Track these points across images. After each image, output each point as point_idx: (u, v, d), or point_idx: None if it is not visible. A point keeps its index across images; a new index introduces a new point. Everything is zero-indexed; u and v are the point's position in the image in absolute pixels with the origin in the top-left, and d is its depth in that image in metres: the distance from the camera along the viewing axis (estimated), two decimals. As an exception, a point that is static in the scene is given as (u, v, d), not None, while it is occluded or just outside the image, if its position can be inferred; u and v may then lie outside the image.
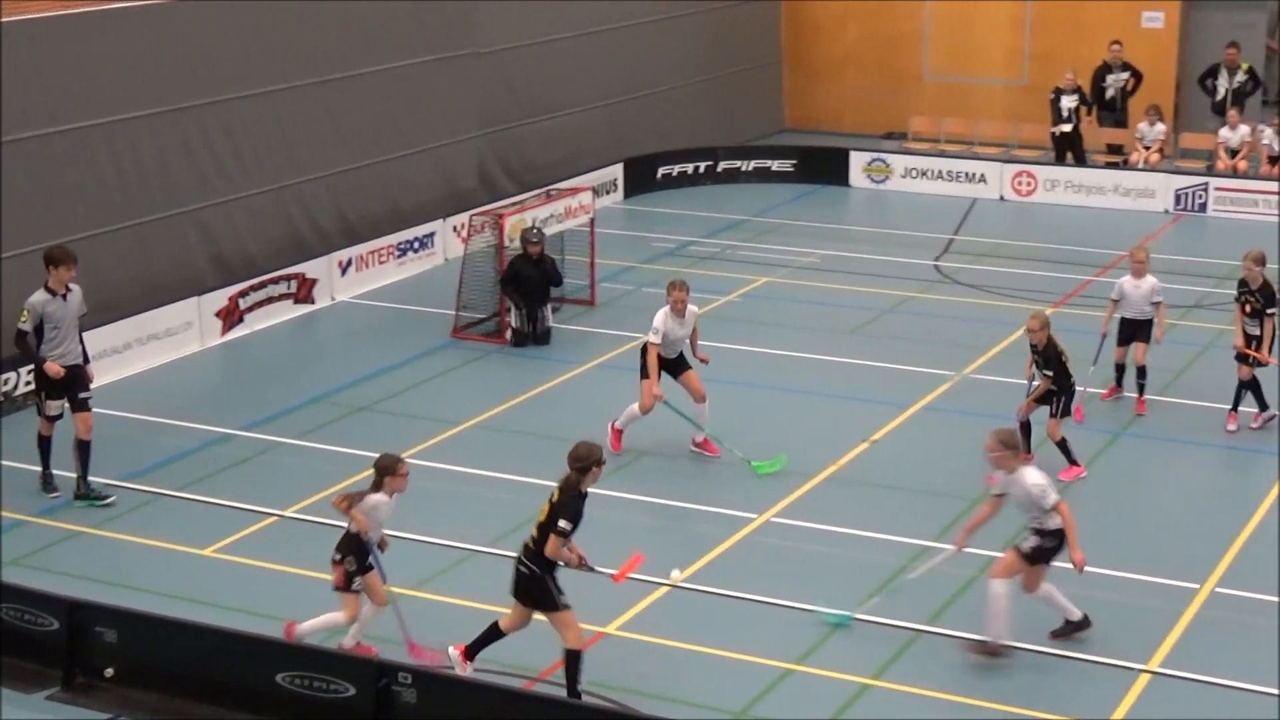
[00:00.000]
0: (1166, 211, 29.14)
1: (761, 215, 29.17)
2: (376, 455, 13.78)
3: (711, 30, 33.92)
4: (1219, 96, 30.85)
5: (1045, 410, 17.59)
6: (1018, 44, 34.51)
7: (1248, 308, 18.66)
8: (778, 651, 13.94)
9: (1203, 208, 29.01)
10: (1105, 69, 31.36)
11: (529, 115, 29.22)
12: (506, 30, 28.41)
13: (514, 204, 23.57)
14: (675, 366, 18.15)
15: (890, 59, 35.69)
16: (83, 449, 16.95)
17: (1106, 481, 17.60)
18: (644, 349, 17.98)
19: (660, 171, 31.28)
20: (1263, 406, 18.84)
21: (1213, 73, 31.08)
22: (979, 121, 33.60)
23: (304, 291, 23.67)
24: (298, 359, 21.97)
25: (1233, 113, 30.07)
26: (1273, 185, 28.75)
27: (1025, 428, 17.53)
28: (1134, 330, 19.42)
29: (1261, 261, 18.57)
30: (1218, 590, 15.06)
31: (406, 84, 26.30)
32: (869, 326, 22.77)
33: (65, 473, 17.20)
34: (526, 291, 21.92)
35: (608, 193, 29.85)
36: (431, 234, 25.99)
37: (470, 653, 13.46)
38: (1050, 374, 17.44)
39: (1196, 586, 15.10)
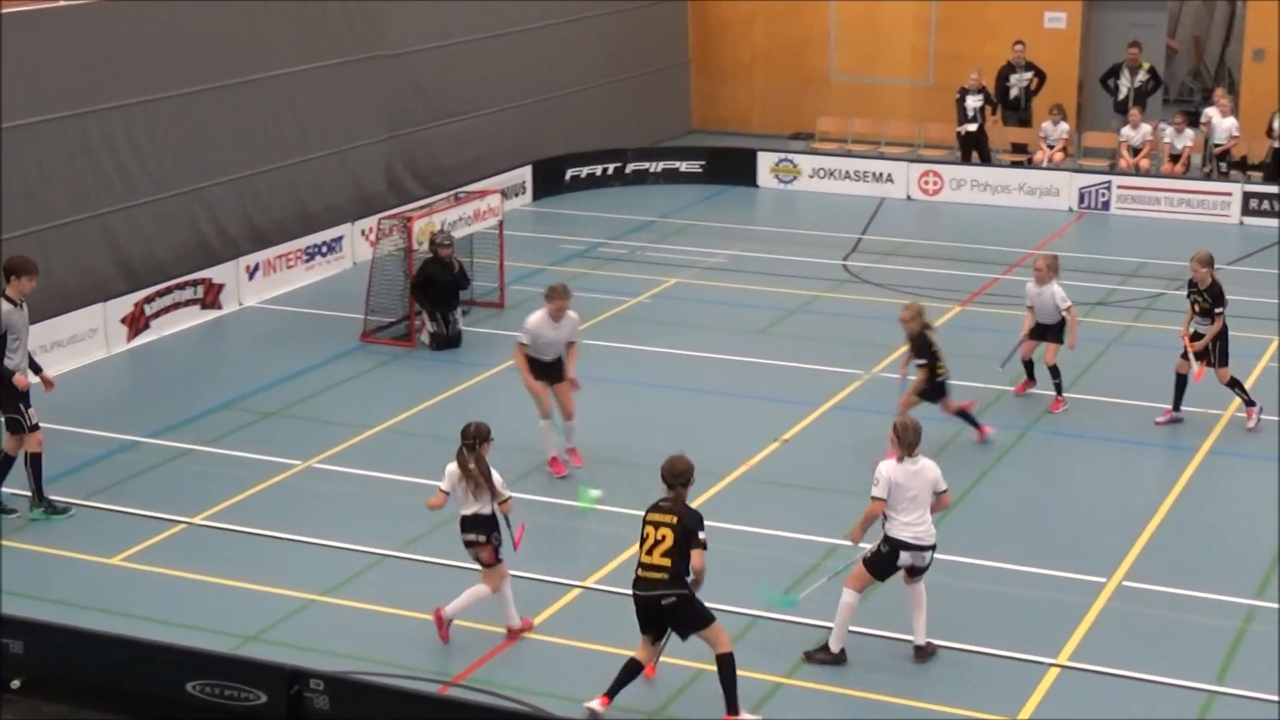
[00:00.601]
0: (1071, 210, 29.43)
1: (670, 216, 29.22)
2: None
3: (619, 32, 33.94)
4: (1121, 96, 31.19)
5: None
6: (923, 44, 34.76)
7: (1197, 307, 18.94)
8: (691, 653, 13.96)
9: (1106, 206, 29.32)
10: (1009, 69, 31.64)
11: (437, 118, 29.14)
12: (414, 32, 28.30)
13: (422, 207, 23.50)
14: (549, 373, 17.67)
15: (797, 60, 35.84)
16: (35, 462, 16.69)
17: (1014, 477, 17.77)
18: (515, 350, 17.63)
19: (569, 173, 31.27)
20: (1249, 402, 19.09)
21: (1115, 72, 31.42)
22: (886, 121, 33.80)
23: (211, 297, 23.48)
24: (205, 365, 21.80)
25: (1134, 111, 30.41)
26: (1174, 183, 29.11)
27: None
28: (1044, 331, 19.67)
29: (1207, 263, 18.87)
30: (1125, 584, 15.22)
31: (313, 87, 26.15)
32: (778, 326, 22.86)
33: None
34: (437, 295, 21.86)
35: (516, 195, 29.81)
36: (340, 238, 25.86)
37: (613, 693, 12.96)
38: (923, 363, 17.67)
39: (1104, 580, 15.26)
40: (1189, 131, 29.85)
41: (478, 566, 14.11)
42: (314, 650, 13.85)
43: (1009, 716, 13.02)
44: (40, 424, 16.73)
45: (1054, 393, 19.61)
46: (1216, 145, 29.58)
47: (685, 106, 36.65)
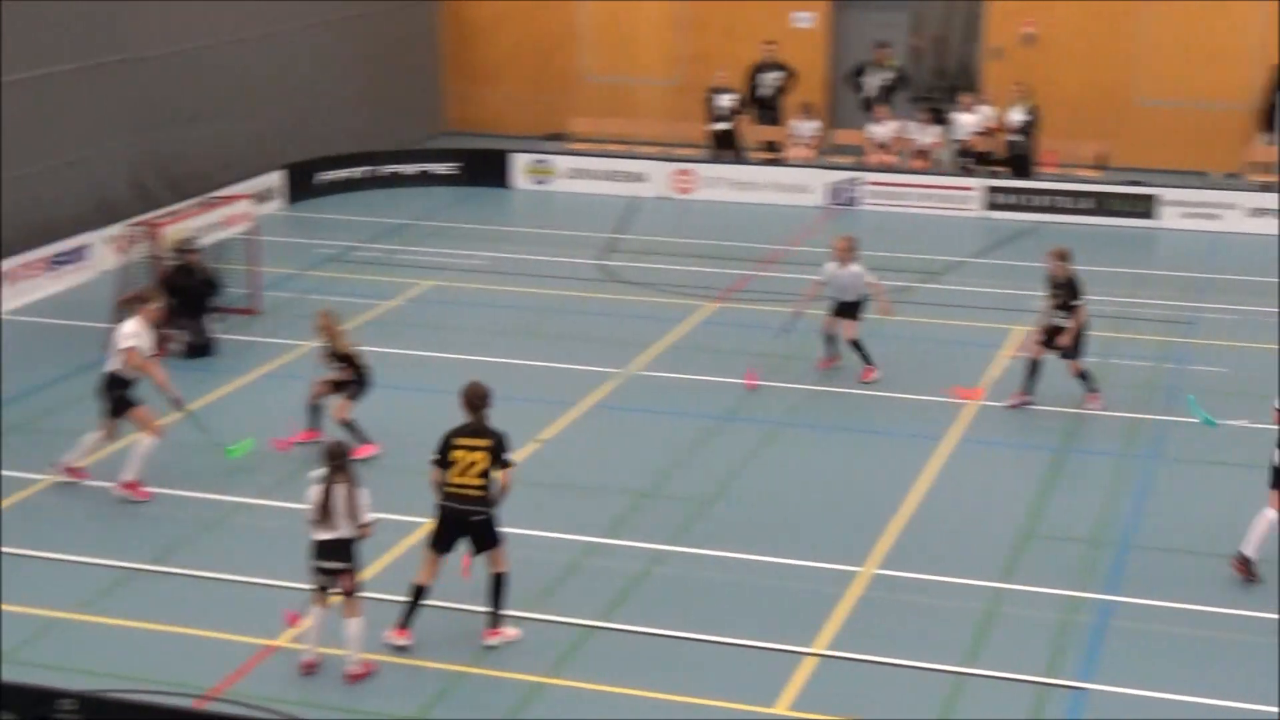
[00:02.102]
0: (821, 206, 29.93)
1: (425, 219, 29.07)
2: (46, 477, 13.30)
3: (369, 34, 33.68)
4: (868, 94, 31.81)
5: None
6: (673, 45, 35.08)
7: (1055, 301, 19.38)
8: (454, 656, 13.92)
9: (855, 201, 29.87)
10: (759, 68, 32.08)
11: (183, 123, 28.61)
12: (158, 36, 27.75)
13: (171, 214, 23.08)
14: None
15: (549, 61, 35.93)
16: None
17: (768, 471, 18.00)
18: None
19: (321, 177, 30.92)
20: (1093, 390, 19.63)
21: (862, 70, 32.04)
22: (639, 121, 34.05)
23: (-49, 309, 22.81)
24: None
25: (882, 108, 31.04)
26: (920, 179, 29.78)
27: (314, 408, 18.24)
28: (842, 309, 20.45)
29: (1064, 258, 19.35)
30: (878, 572, 15.52)
31: (53, 91, 25.50)
32: (536, 327, 22.88)
33: None
34: (187, 302, 21.47)
35: (268, 200, 29.40)
36: (85, 246, 25.24)
37: (405, 624, 13.84)
38: (344, 366, 18.04)
39: (857, 569, 15.54)
40: (933, 128, 30.58)
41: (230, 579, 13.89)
42: (64, 669, 13.51)
43: (766, 706, 13.19)
44: None
45: (863, 363, 20.42)
46: (959, 141, 30.33)
47: (438, 108, 36.50)
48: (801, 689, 13.47)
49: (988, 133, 30.16)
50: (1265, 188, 29.58)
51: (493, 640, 13.99)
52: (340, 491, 13.36)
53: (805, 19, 34.11)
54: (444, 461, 13.71)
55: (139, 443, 16.99)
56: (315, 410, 18.28)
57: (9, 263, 23.84)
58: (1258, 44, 31.64)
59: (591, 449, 18.58)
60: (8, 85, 24.59)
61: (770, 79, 31.97)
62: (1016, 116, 29.79)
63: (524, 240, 27.70)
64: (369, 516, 13.47)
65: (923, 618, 14.75)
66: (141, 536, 16.19)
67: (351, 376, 18.11)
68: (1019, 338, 21.91)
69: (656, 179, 30.87)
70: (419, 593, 13.83)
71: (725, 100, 31.41)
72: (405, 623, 13.86)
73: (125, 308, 17.00)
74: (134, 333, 16.93)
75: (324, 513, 13.33)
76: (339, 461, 13.43)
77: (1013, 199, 29.06)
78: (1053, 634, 14.34)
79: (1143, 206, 28.55)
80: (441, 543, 13.86)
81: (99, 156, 26.55)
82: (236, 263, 23.63)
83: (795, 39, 33.71)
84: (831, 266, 20.43)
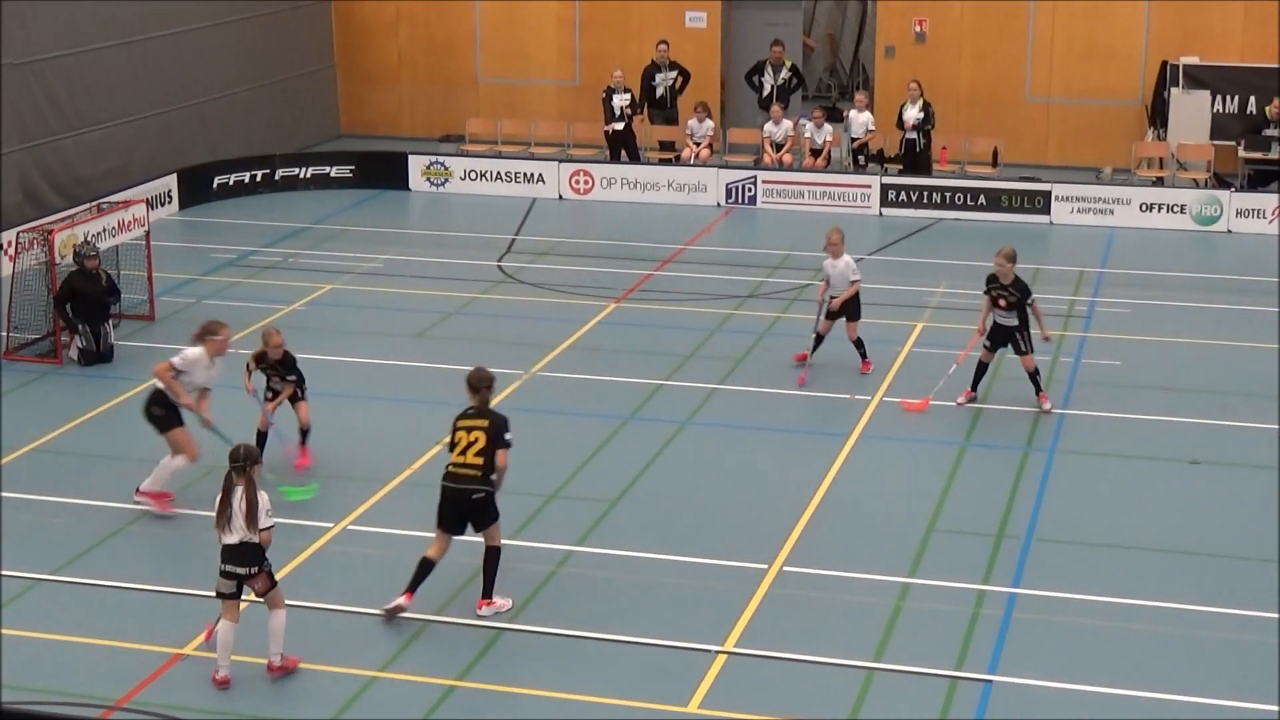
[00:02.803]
0: (719, 205, 30.02)
1: (322, 222, 28.89)
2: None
3: (262, 35, 33.40)
4: (765, 93, 31.95)
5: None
6: (568, 44, 35.06)
7: (1002, 302, 19.45)
8: (362, 660, 13.85)
9: (753, 200, 29.99)
10: (654, 68, 32.11)
11: (73, 127, 28.26)
12: (44, 39, 27.38)
13: (64, 219, 22.78)
14: None
15: (444, 62, 35.79)
16: None
17: (673, 469, 18.02)
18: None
19: (216, 181, 30.64)
20: (1039, 389, 19.69)
21: (759, 69, 32.17)
22: (535, 122, 34.00)
23: None
24: None
25: (776, 108, 31.18)
26: (816, 177, 29.95)
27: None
28: (843, 309, 20.58)
29: (1012, 259, 19.42)
30: (785, 569, 15.59)
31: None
32: (436, 329, 22.79)
33: None
34: (84, 309, 21.20)
35: (162, 204, 29.07)
36: (-24, 253, 24.89)
37: (413, 589, 14.44)
38: (291, 376, 17.95)
39: (765, 567, 15.60)
40: (828, 126, 30.77)
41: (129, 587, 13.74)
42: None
43: (680, 706, 13.22)
44: None
45: (860, 359, 20.74)
46: (854, 139, 30.53)
47: (333, 111, 36.26)
48: (712, 687, 13.50)
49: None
50: (1156, 182, 30.03)
51: (485, 610, 14.54)
52: (239, 494, 13.26)
53: (698, 19, 34.20)
54: (452, 444, 14.49)
55: (172, 462, 16.72)
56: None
57: (-105, 271, 23.47)
58: (1147, 41, 32.12)
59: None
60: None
61: (665, 79, 32.02)
62: (912, 114, 30.00)
63: (422, 242, 27.58)
64: (268, 521, 13.35)
65: (831, 614, 14.84)
66: (44, 548, 15.97)
67: (296, 381, 18.02)
68: (918, 333, 22.11)
69: (553, 180, 30.83)
70: (426, 564, 14.44)
71: (621, 100, 31.43)
72: (411, 589, 14.41)
73: (196, 339, 16.80)
74: (189, 359, 16.64)
75: (224, 516, 13.24)
76: (240, 464, 13.33)
77: (909, 196, 29.27)
78: (962, 628, 14.47)
79: (1037, 202, 28.86)
80: (446, 521, 14.46)
81: (-12, 162, 26.20)
82: (132, 268, 23.36)
83: (689, 38, 33.81)
84: (828, 263, 20.55)
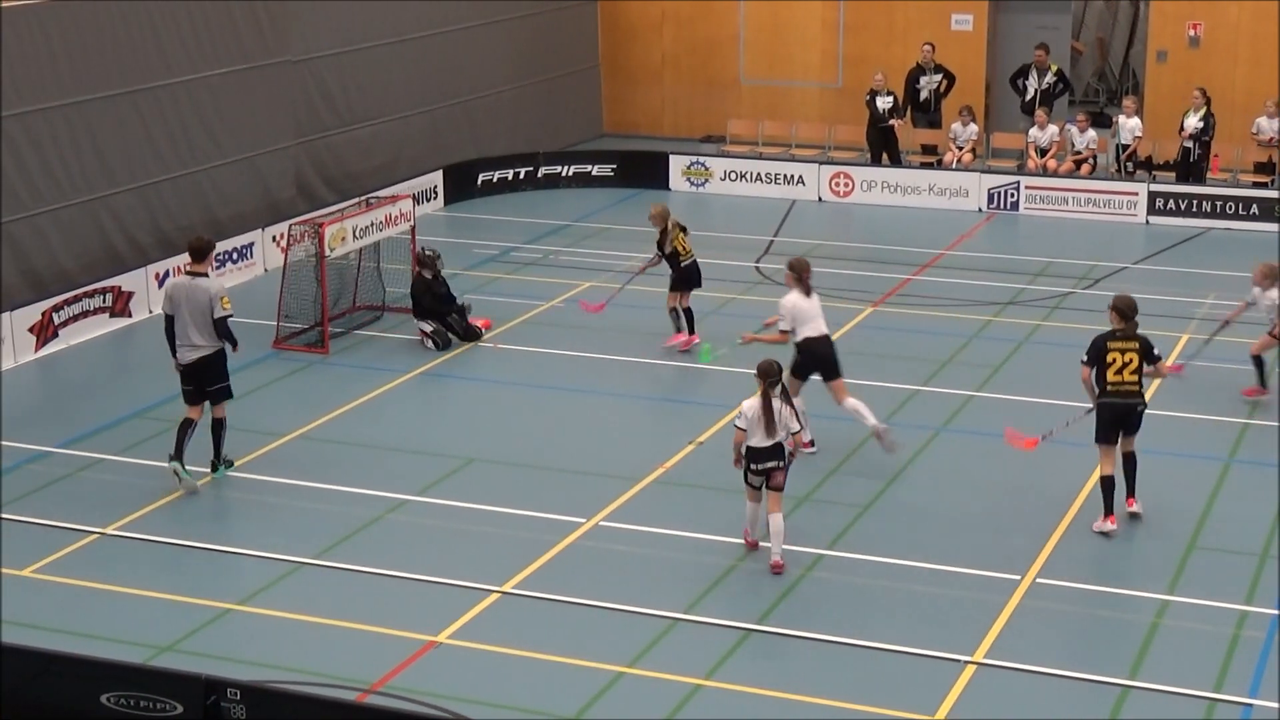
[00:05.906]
0: (980, 210, 29.66)
1: (583, 220, 29.20)
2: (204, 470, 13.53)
3: (529, 35, 33.89)
4: (1029, 97, 31.48)
5: None
6: (832, 47, 34.92)
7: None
8: (609, 655, 13.97)
9: (1015, 206, 29.56)
10: (918, 71, 31.84)
11: (346, 123, 28.99)
12: (321, 37, 28.15)
13: (333, 213, 23.36)
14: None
15: (707, 63, 35.93)
16: None
17: (927, 477, 17.85)
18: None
19: (480, 178, 31.19)
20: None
21: (1023, 73, 31.69)
22: (796, 124, 33.95)
23: (120, 305, 23.25)
24: (115, 373, 21.58)
25: (1041, 113, 30.68)
26: (1081, 183, 29.38)
27: None
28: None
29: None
30: (1039, 580, 15.34)
31: (221, 92, 25.95)
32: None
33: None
34: (432, 307, 22.05)
35: (428, 200, 29.70)
36: (250, 244, 25.67)
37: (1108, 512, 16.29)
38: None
39: (1018, 578, 15.38)
40: (1091, 132, 30.15)
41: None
42: (230, 660, 13.75)
43: (928, 715, 13.09)
44: None
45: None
46: (1123, 145, 29.88)
47: (596, 110, 36.64)
48: (960, 697, 13.34)
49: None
50: None
51: (1134, 506, 16.49)
52: (775, 404, 15.21)
53: (964, 21, 33.80)
54: (1093, 362, 16.15)
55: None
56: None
57: (176, 261, 24.24)
58: None
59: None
60: (174, 87, 25.06)
61: (929, 82, 31.73)
62: (1192, 122, 29.21)
63: (681, 242, 27.63)
64: (795, 425, 15.45)
65: (1085, 628, 14.54)
66: (307, 533, 16.42)
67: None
68: (1182, 345, 21.58)
69: (813, 182, 30.76)
70: (1108, 483, 16.19)
71: (884, 103, 31.23)
72: (1108, 511, 16.18)
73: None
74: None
75: (767, 420, 15.13)
76: (774, 379, 15.28)
77: (1178, 204, 28.55)
78: (1222, 648, 14.08)
79: (1315, 213, 27.92)
80: (1109, 434, 16.21)
81: (263, 156, 26.96)
82: (396, 263, 23.88)
83: (954, 41, 33.42)
84: (1256, 291, 20.09)
